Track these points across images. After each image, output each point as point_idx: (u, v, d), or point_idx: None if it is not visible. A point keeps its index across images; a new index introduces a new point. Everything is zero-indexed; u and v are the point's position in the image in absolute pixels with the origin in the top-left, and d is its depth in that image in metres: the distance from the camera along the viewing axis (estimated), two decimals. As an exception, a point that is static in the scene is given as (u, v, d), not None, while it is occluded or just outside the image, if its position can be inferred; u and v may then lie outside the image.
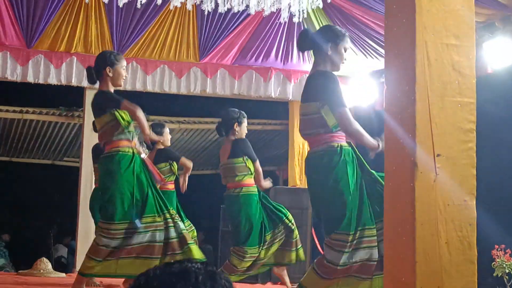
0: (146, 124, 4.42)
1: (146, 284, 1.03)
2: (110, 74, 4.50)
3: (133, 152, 4.43)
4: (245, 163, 5.41)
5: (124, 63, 4.59)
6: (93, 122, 5.79)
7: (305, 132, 3.76)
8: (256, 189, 5.52)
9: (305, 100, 3.75)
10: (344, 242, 3.46)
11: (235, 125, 5.50)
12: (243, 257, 5.30)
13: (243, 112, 5.64)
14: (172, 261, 1.10)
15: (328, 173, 3.52)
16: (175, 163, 6.16)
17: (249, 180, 5.46)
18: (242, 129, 5.56)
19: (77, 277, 4.47)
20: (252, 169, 5.46)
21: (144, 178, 4.41)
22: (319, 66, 3.73)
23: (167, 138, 6.37)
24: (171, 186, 6.20)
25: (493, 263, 5.23)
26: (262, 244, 5.35)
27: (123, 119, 4.39)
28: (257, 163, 5.49)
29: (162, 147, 6.26)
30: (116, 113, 4.39)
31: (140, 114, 4.35)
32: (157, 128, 6.26)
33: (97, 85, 7.55)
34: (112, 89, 4.54)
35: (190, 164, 6.12)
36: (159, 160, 6.13)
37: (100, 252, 4.29)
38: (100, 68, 4.52)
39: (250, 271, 5.47)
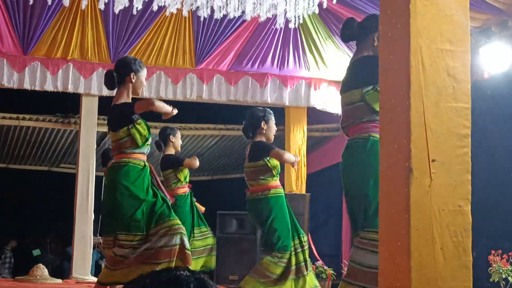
0: (166, 107, 4.28)
1: None
2: (133, 81, 4.32)
3: (144, 164, 4.30)
4: (267, 164, 5.07)
5: (145, 71, 4.45)
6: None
7: (346, 124, 3.50)
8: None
9: (348, 89, 3.51)
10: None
11: (262, 123, 5.17)
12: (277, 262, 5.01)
13: (269, 110, 5.31)
14: (157, 269, 1.09)
15: (367, 164, 3.27)
16: (181, 168, 6.12)
17: (275, 182, 5.15)
18: (270, 128, 5.21)
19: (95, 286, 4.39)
20: (277, 169, 5.12)
21: (151, 189, 4.31)
22: (363, 53, 3.51)
23: (179, 142, 6.35)
24: (182, 191, 6.15)
25: (489, 269, 5.22)
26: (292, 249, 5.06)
27: (140, 134, 4.24)
28: (275, 150, 5.10)
29: (169, 153, 6.23)
30: (133, 130, 4.22)
31: (157, 103, 4.25)
32: (165, 132, 6.27)
33: (95, 91, 7.68)
34: (130, 98, 4.38)
35: (195, 162, 6.03)
36: (164, 168, 6.12)
37: (116, 262, 4.20)
38: (123, 74, 4.33)
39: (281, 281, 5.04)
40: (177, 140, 6.29)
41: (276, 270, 4.98)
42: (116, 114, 4.30)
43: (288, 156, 5.20)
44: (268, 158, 5.06)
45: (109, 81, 4.36)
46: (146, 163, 4.33)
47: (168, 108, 4.26)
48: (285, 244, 5.02)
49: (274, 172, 5.09)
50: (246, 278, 4.97)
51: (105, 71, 7.65)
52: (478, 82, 6.15)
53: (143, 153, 4.30)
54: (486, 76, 6.21)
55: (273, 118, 5.26)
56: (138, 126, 4.24)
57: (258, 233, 7.82)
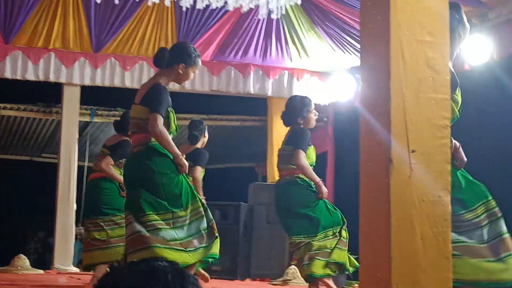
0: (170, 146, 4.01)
1: (114, 285, 1.00)
2: (181, 72, 4.08)
3: None
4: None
5: (198, 66, 4.18)
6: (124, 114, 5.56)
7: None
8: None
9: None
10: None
11: (307, 111, 4.93)
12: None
13: (309, 98, 5.12)
14: (136, 260, 1.07)
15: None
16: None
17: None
18: (310, 117, 4.99)
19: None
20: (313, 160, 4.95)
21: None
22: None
23: (205, 139, 6.18)
24: None
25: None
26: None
27: (174, 122, 4.02)
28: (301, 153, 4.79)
29: (198, 147, 6.12)
30: (171, 114, 4.01)
31: (166, 139, 3.93)
32: (201, 125, 6.14)
33: (77, 81, 7.62)
34: (169, 84, 4.15)
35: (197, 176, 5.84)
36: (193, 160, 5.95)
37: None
38: (175, 60, 4.07)
39: None
40: (206, 137, 6.20)
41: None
42: (157, 95, 3.97)
43: (311, 173, 4.85)
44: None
45: (159, 58, 4.11)
46: None
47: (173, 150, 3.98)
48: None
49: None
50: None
51: (87, 61, 7.70)
52: (459, 74, 6.17)
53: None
54: (467, 68, 6.24)
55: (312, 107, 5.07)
56: (174, 115, 4.05)
57: (241, 223, 7.83)
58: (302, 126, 4.95)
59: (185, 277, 1.02)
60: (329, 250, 4.72)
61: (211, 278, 6.63)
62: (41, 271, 6.95)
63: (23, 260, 6.94)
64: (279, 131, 8.44)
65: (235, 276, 7.58)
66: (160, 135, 3.86)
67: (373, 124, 2.73)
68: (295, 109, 5.00)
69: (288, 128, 5.07)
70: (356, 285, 6.23)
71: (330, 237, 4.76)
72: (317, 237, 4.72)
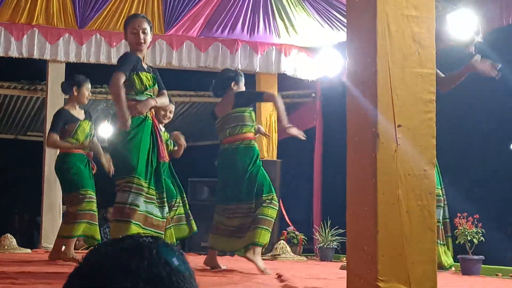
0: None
1: (98, 263, 0.98)
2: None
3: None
4: (250, 114, 5.13)
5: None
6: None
7: None
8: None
9: None
10: None
11: (233, 84, 5.22)
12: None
13: (240, 71, 5.42)
14: (121, 236, 1.08)
15: None
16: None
17: (251, 134, 5.15)
18: (241, 89, 5.26)
19: None
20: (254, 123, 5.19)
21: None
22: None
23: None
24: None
25: (455, 231, 5.37)
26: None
27: (139, 84, 4.28)
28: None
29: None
30: (135, 77, 4.28)
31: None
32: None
33: (62, 58, 7.57)
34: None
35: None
36: None
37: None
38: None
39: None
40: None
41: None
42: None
43: None
44: (252, 109, 5.17)
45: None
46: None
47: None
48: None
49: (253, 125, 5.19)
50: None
51: (71, 37, 7.65)
52: (445, 49, 6.22)
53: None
54: (452, 43, 6.27)
55: (243, 80, 5.32)
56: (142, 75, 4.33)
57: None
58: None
59: (169, 252, 1.01)
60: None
61: (200, 254, 6.70)
62: (29, 250, 6.99)
63: (10, 240, 6.96)
64: (267, 107, 8.47)
65: (224, 252, 7.65)
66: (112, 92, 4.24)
67: (359, 99, 2.78)
68: (224, 80, 5.27)
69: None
70: (344, 258, 6.33)
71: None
72: None
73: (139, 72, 4.29)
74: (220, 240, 5.10)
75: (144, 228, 4.10)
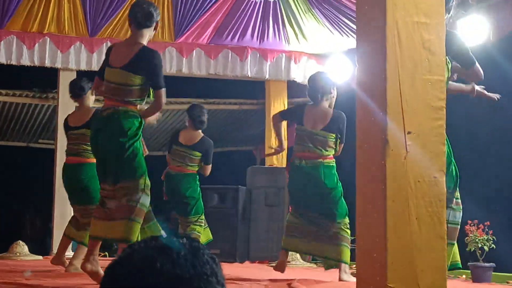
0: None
1: (128, 257, 1.02)
2: (153, 32, 4.31)
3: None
4: (336, 141, 5.00)
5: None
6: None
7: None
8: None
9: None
10: None
11: (332, 89, 5.09)
12: None
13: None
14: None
15: None
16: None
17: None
18: (334, 96, 5.13)
19: None
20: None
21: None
22: None
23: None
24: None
25: (466, 238, 5.33)
26: None
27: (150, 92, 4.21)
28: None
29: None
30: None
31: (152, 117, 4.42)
32: (203, 109, 6.23)
33: (73, 66, 7.60)
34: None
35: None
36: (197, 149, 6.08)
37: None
38: (151, 21, 4.22)
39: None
40: None
41: None
42: (153, 60, 4.12)
43: None
44: (339, 136, 5.02)
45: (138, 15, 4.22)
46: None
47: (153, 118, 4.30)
48: None
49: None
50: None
51: (82, 45, 7.69)
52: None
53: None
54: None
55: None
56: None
57: (239, 207, 7.89)
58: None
59: (198, 255, 1.03)
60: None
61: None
62: (40, 257, 7.01)
63: (22, 246, 6.99)
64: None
65: (234, 259, 7.65)
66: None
67: (369, 106, 2.77)
68: (325, 87, 5.09)
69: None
70: (354, 265, 6.30)
71: None
72: None
73: None
74: None
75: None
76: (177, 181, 6.03)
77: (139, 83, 4.08)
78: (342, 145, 5.04)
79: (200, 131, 6.16)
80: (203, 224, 6.10)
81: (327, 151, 4.95)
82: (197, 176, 6.15)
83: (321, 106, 5.05)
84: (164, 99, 4.10)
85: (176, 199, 6.09)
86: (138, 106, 4.19)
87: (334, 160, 5.04)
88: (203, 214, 6.12)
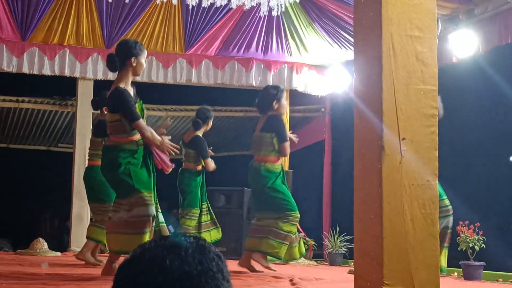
0: (156, 139, 4.16)
1: (140, 255, 1.03)
2: (134, 64, 4.16)
3: (137, 144, 4.19)
4: (272, 139, 5.08)
5: (145, 53, 4.29)
6: (93, 101, 5.75)
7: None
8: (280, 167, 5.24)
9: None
10: None
11: (274, 102, 5.08)
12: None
13: (281, 87, 5.25)
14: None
15: None
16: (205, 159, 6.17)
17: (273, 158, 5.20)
18: (281, 106, 5.11)
19: None
20: (277, 147, 5.11)
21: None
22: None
23: (207, 128, 6.40)
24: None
25: (457, 238, 5.30)
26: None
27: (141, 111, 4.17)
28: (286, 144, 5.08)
29: (199, 134, 6.28)
30: (138, 105, 4.17)
31: (148, 134, 4.09)
32: (208, 113, 6.29)
33: (91, 75, 7.62)
34: (131, 79, 4.23)
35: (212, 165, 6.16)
36: (192, 146, 6.20)
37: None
38: (124, 58, 4.16)
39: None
40: (209, 126, 6.36)
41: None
42: (117, 100, 4.11)
43: None
44: (274, 134, 5.08)
45: (111, 64, 4.22)
46: (139, 142, 4.20)
47: (157, 140, 4.15)
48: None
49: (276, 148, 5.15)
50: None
51: (99, 56, 7.71)
52: (448, 66, 6.19)
53: (134, 135, 4.17)
54: (454, 61, 6.24)
55: (284, 95, 5.25)
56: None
57: (244, 207, 7.87)
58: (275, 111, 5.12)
59: (205, 253, 1.03)
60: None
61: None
62: (58, 253, 7.01)
63: (42, 243, 6.99)
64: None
65: (239, 257, 7.61)
66: (148, 136, 4.11)
67: (366, 114, 2.75)
68: (267, 98, 5.13)
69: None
70: (352, 263, 6.28)
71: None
72: None
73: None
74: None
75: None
76: (179, 176, 6.23)
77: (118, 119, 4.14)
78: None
79: (197, 131, 6.25)
80: (194, 218, 6.12)
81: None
82: (196, 172, 6.18)
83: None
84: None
85: (179, 193, 6.27)
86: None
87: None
88: (196, 208, 6.12)
